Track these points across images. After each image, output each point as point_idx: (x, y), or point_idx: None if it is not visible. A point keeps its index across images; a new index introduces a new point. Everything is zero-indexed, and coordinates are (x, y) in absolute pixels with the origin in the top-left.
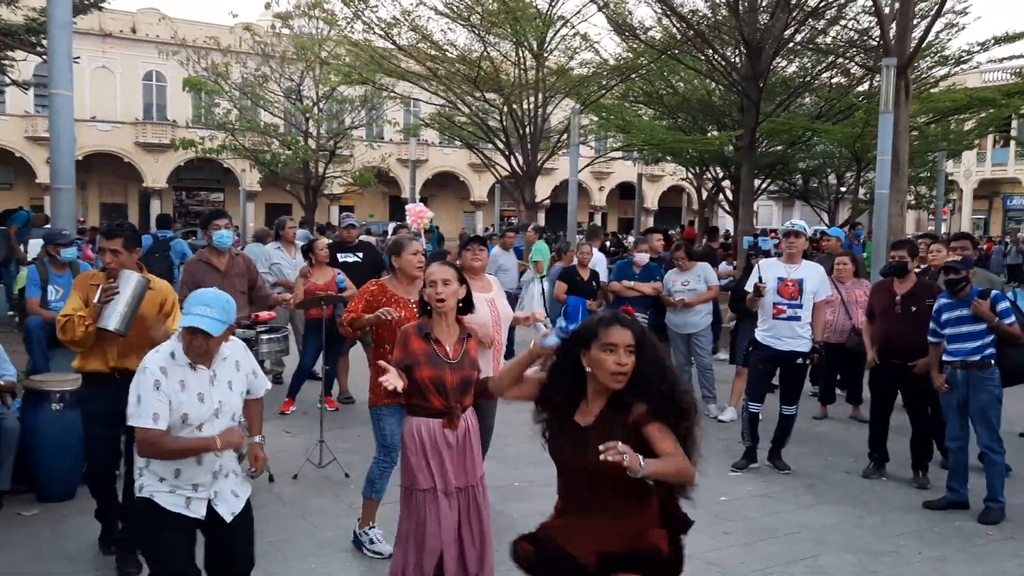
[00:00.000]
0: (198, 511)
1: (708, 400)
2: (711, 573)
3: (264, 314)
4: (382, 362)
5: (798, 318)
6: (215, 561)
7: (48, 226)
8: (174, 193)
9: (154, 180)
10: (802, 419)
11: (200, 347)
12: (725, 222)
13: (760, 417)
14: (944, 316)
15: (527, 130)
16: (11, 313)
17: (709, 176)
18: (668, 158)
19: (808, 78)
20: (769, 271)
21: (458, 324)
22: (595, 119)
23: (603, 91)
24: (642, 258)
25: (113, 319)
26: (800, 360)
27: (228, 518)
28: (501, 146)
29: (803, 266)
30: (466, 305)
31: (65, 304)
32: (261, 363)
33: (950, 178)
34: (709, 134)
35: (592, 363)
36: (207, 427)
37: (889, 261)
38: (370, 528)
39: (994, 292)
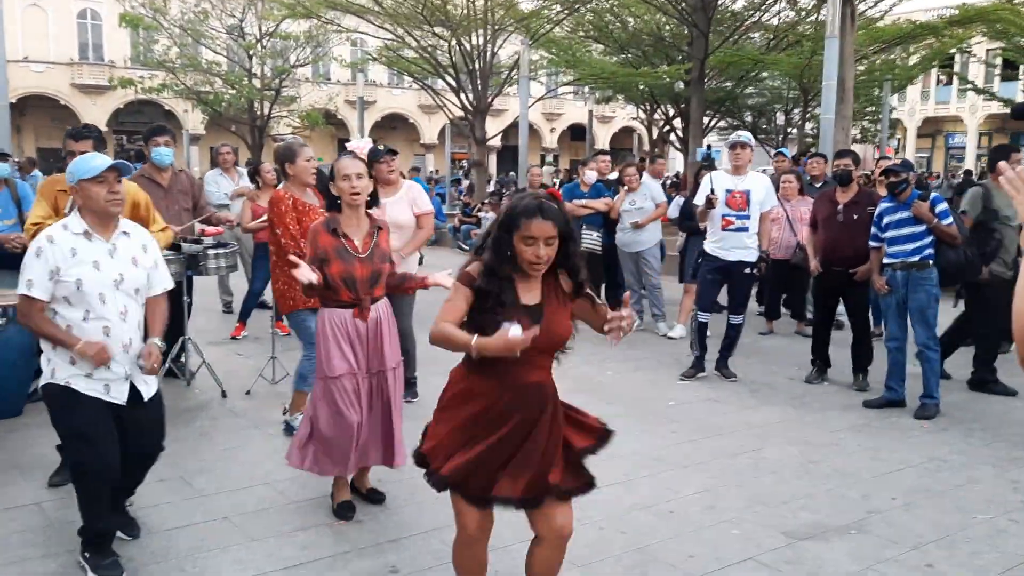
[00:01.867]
0: (119, 395)
1: (658, 318)
2: (658, 467)
3: (211, 229)
4: (293, 256)
5: (746, 229)
6: (131, 442)
7: None
8: (114, 137)
9: (93, 123)
10: (748, 335)
11: (118, 193)
12: (676, 163)
13: (708, 332)
14: (885, 219)
15: (476, 65)
16: None
17: (660, 115)
18: (619, 97)
19: (756, 12)
20: (717, 183)
21: (368, 218)
22: (545, 55)
23: (552, 24)
24: (590, 176)
25: None
26: (748, 270)
27: (147, 396)
28: (451, 82)
29: (750, 177)
30: (373, 199)
31: (31, 212)
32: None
33: (894, 116)
34: (659, 70)
35: (516, 251)
36: (109, 298)
37: (834, 170)
38: (300, 415)
39: (933, 195)
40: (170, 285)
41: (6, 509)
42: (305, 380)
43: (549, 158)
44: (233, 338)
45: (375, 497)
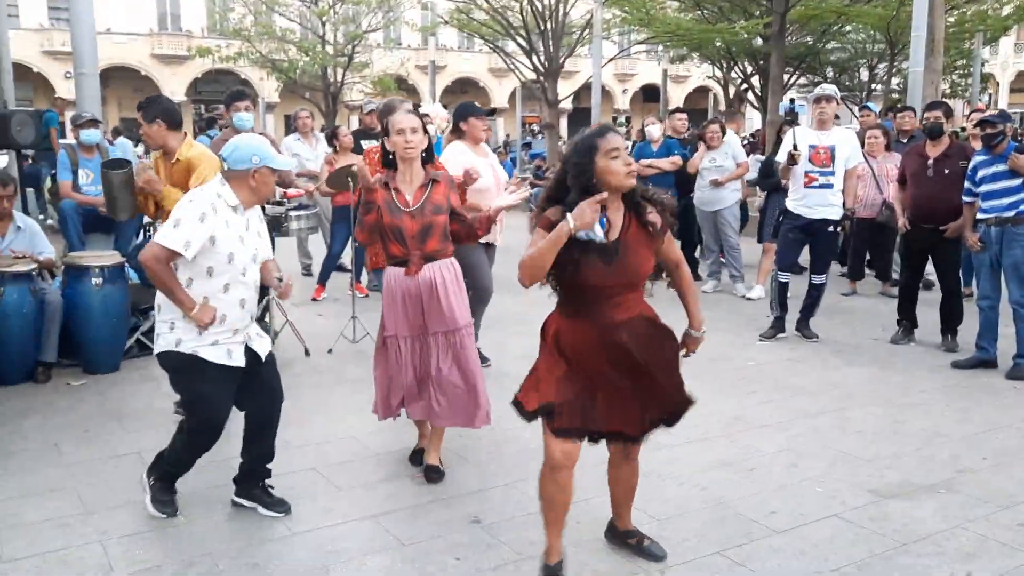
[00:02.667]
0: (239, 359)
1: (736, 279)
2: (737, 426)
3: (292, 192)
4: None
5: (830, 186)
6: (256, 399)
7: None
8: (193, 106)
9: (172, 93)
10: (831, 296)
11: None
12: (752, 123)
13: (788, 292)
14: (980, 173)
15: (548, 25)
16: (41, 216)
17: (737, 72)
18: (694, 55)
19: None
20: (800, 138)
21: (423, 172)
22: (618, 13)
23: None
24: (652, 131)
25: (112, 209)
26: (831, 228)
27: (264, 355)
28: (522, 43)
29: (834, 132)
30: (428, 155)
31: None
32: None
33: (986, 70)
34: (736, 25)
35: (601, 174)
36: (248, 272)
37: (924, 122)
38: None
39: None
40: (272, 255)
41: (111, 458)
42: None
43: (621, 119)
44: (313, 300)
45: (431, 475)
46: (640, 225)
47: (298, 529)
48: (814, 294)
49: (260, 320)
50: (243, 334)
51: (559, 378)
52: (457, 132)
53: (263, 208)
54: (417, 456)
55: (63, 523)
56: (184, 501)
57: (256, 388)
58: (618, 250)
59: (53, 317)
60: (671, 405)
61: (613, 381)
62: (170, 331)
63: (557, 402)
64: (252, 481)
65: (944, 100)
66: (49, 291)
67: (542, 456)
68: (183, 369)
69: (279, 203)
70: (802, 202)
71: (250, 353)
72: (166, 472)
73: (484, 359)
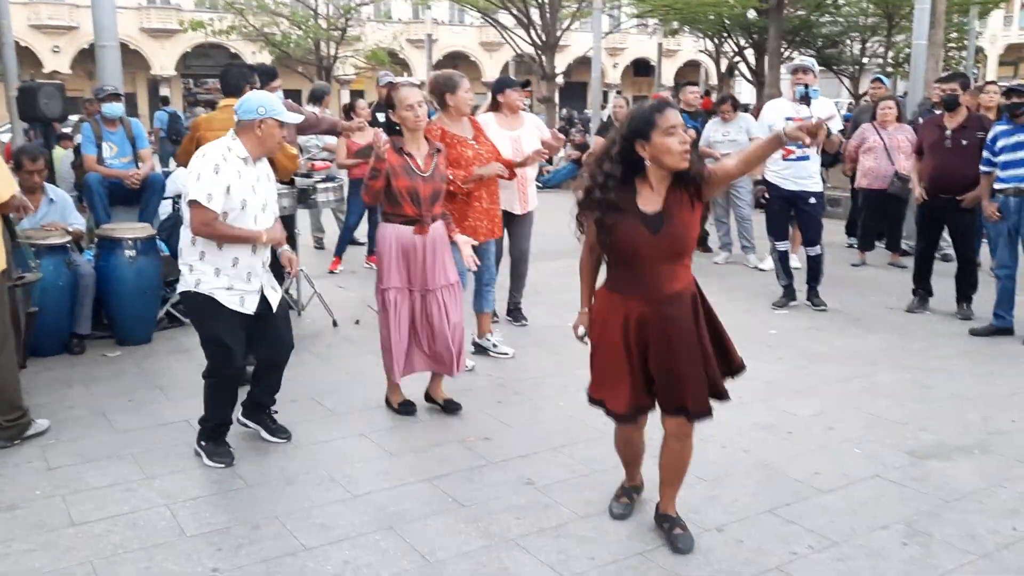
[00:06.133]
0: (251, 307)
1: (748, 251)
2: (771, 391)
3: (319, 164)
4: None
5: (807, 158)
6: (266, 347)
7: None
8: (182, 80)
9: (162, 67)
10: (841, 266)
11: (281, 140)
12: (742, 97)
13: (791, 257)
14: (1000, 143)
15: None
16: None
17: (729, 47)
18: (686, 29)
19: None
20: (776, 111)
21: (427, 141)
22: None
23: None
24: None
25: None
26: (812, 200)
27: (275, 306)
28: (517, 15)
29: (813, 104)
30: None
31: None
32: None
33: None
34: None
35: (656, 150)
36: (260, 220)
37: (940, 94)
38: (489, 335)
39: None
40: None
41: (160, 425)
42: (483, 299)
43: (612, 93)
44: (331, 272)
45: (451, 407)
46: (682, 190)
47: (358, 492)
48: (814, 265)
49: (286, 292)
50: (257, 281)
51: (606, 363)
52: (495, 104)
53: (292, 181)
54: (405, 407)
55: (128, 488)
56: (241, 468)
57: (268, 337)
58: (662, 222)
59: (87, 289)
60: (700, 396)
61: (648, 354)
62: (190, 272)
63: (609, 388)
64: (259, 409)
65: (962, 72)
66: (82, 263)
67: (583, 421)
68: (200, 310)
69: (307, 175)
70: (780, 174)
71: (263, 304)
72: (207, 429)
73: (524, 318)
